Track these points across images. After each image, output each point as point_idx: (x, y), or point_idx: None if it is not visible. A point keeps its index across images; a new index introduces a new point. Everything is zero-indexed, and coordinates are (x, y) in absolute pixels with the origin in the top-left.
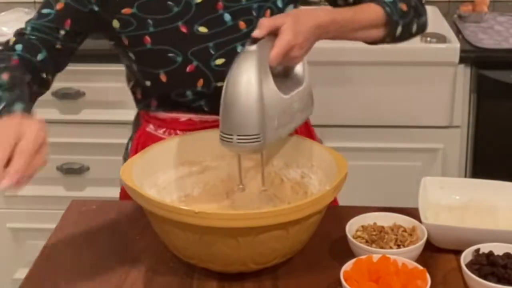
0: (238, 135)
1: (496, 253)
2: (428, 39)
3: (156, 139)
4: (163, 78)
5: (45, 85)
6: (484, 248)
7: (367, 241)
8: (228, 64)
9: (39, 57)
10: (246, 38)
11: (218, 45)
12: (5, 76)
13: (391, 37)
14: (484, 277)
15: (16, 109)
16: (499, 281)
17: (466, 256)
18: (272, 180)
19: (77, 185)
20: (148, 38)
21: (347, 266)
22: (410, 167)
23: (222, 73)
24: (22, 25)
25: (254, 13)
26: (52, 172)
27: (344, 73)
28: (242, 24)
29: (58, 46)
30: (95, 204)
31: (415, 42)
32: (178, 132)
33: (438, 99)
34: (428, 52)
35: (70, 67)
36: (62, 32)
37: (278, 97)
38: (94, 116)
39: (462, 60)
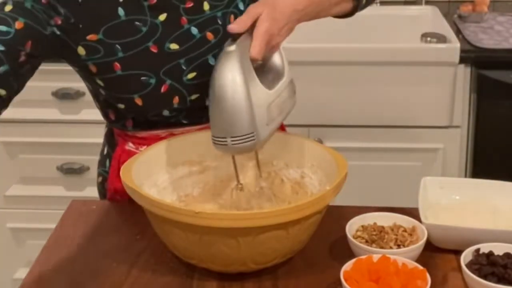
0: (232, 137)
1: (496, 253)
2: (428, 39)
3: None
4: (139, 101)
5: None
6: (484, 248)
7: (367, 241)
8: (199, 77)
9: (1, 69)
10: (216, 48)
11: (189, 60)
12: None
13: (359, 7)
14: (484, 277)
15: None
16: (499, 281)
17: (466, 256)
18: (272, 180)
19: (77, 185)
20: (118, 64)
21: (347, 266)
22: (410, 167)
23: (195, 87)
24: None
25: (220, 22)
26: (52, 172)
27: (344, 73)
28: (209, 35)
29: (21, 59)
30: (95, 204)
31: (415, 42)
32: None
33: (438, 99)
34: (428, 52)
35: (70, 67)
36: (23, 53)
37: (264, 93)
38: (94, 116)
39: (462, 60)
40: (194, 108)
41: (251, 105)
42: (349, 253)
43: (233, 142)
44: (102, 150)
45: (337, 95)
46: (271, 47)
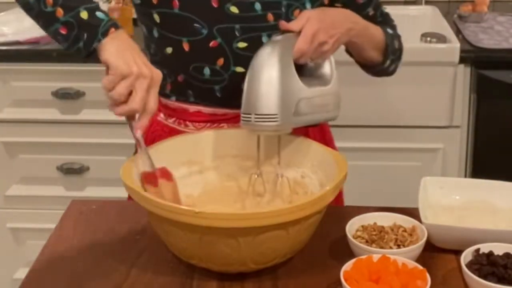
0: (256, 114)
1: (496, 253)
2: (428, 39)
3: (166, 128)
4: (186, 46)
5: None
6: (484, 248)
7: (367, 241)
8: (250, 50)
9: None
10: (273, 30)
11: (244, 28)
12: None
13: (380, 66)
14: (484, 277)
15: (102, 18)
16: (499, 281)
17: (466, 256)
18: (272, 180)
19: (77, 185)
20: (177, 2)
21: (347, 266)
22: (410, 167)
23: (242, 58)
24: (22, 25)
25: (283, 9)
26: (52, 172)
27: (343, 73)
28: (270, 16)
29: None
30: (95, 204)
31: (415, 42)
32: (187, 122)
33: (438, 99)
34: (428, 52)
35: (70, 67)
36: None
37: (298, 85)
38: (94, 116)
39: (462, 60)
40: (232, 83)
41: (281, 90)
42: (349, 253)
43: (256, 119)
44: None
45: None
46: (316, 50)
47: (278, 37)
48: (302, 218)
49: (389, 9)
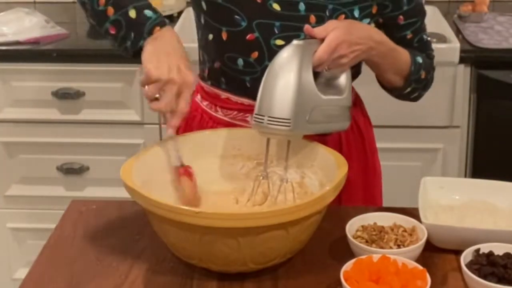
0: (269, 117)
1: (496, 253)
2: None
3: (199, 109)
4: (224, 36)
5: None
6: (484, 248)
7: (367, 241)
8: None
9: None
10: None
11: (284, 26)
12: None
13: (399, 91)
14: (484, 277)
15: (150, 16)
16: (499, 281)
17: (466, 256)
18: (272, 180)
19: (77, 185)
20: None
21: (347, 266)
22: (410, 167)
23: None
24: (22, 25)
25: (328, 13)
26: (52, 172)
27: None
28: (312, 18)
29: None
30: (95, 204)
31: None
32: (217, 108)
33: (438, 99)
34: None
35: (70, 67)
36: None
37: (314, 93)
38: (94, 116)
39: (462, 60)
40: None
41: (298, 96)
42: (349, 253)
43: (269, 122)
44: None
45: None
46: (334, 61)
47: (300, 42)
48: (302, 218)
49: None
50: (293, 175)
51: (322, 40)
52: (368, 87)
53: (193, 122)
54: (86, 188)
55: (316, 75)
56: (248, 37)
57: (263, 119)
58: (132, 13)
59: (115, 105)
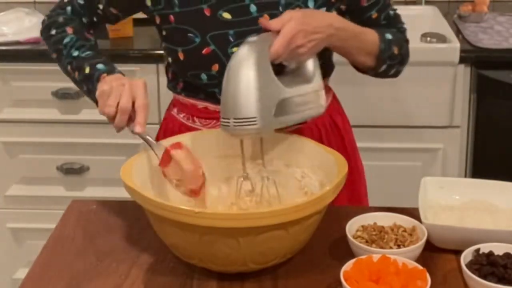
0: (235, 119)
1: (496, 253)
2: (428, 39)
3: (177, 122)
4: (181, 56)
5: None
6: (484, 248)
7: (367, 241)
8: None
9: (83, 20)
10: (269, 31)
11: (238, 33)
12: (69, 30)
13: (374, 71)
14: (484, 277)
15: (100, 68)
16: (499, 281)
17: (466, 256)
18: (272, 180)
19: (77, 185)
20: (172, 17)
21: (347, 266)
22: (410, 167)
23: None
24: (22, 25)
25: (281, 9)
26: (52, 172)
27: (343, 73)
28: (266, 18)
29: (99, 13)
30: (95, 204)
31: (415, 42)
32: (195, 118)
33: (438, 99)
34: (428, 52)
35: None
36: (100, 7)
37: (276, 86)
38: (94, 116)
39: (462, 60)
40: None
41: (259, 92)
42: (349, 253)
43: (235, 124)
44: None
45: (337, 95)
46: (292, 52)
47: (254, 38)
48: (302, 218)
49: None
50: (275, 167)
51: (278, 32)
52: (368, 87)
53: (172, 135)
54: (86, 188)
55: (282, 67)
56: (204, 51)
57: (229, 122)
58: (87, 69)
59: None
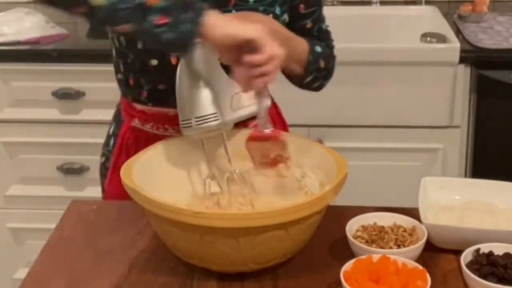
0: (196, 117)
1: (496, 253)
2: (428, 39)
3: (144, 133)
4: (173, 60)
5: None
6: (484, 248)
7: (367, 241)
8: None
9: None
10: None
11: None
12: None
13: (299, 80)
14: (484, 277)
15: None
16: (499, 281)
17: (466, 256)
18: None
19: (77, 185)
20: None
21: (347, 266)
22: (410, 167)
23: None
24: (22, 25)
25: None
26: (52, 172)
27: (343, 73)
28: None
29: None
30: (95, 204)
31: (415, 42)
32: (166, 126)
33: (438, 99)
34: (428, 52)
35: (70, 67)
36: None
37: (229, 82)
38: (94, 116)
39: (462, 60)
40: None
41: (214, 89)
42: (349, 253)
43: (197, 122)
44: (108, 131)
45: (337, 95)
46: None
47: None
48: (302, 218)
49: (389, 9)
50: (293, 175)
51: None
52: (368, 87)
53: (138, 148)
54: (86, 188)
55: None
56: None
57: (190, 122)
58: None
59: (115, 105)
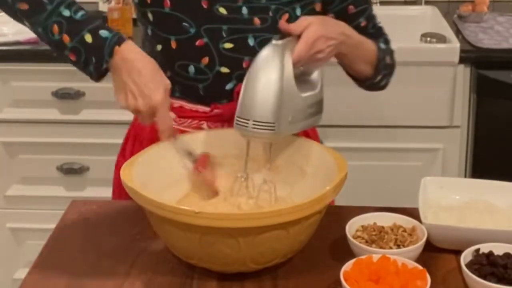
0: (254, 121)
1: (496, 253)
2: (428, 39)
3: (146, 129)
4: (173, 44)
5: None
6: (484, 248)
7: (367, 241)
8: (235, 51)
9: None
10: (259, 32)
11: (231, 29)
12: None
13: (370, 81)
14: (484, 277)
15: (103, 35)
16: (499, 281)
17: (466, 256)
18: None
19: (77, 185)
20: (168, 2)
21: (347, 266)
22: (410, 167)
23: (227, 58)
24: (22, 25)
25: (271, 14)
26: (52, 172)
27: (343, 73)
28: (256, 20)
29: None
30: (95, 204)
31: (415, 42)
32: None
33: (438, 99)
34: (428, 52)
35: (70, 67)
36: None
37: (296, 93)
38: (94, 116)
39: (462, 60)
40: (216, 83)
41: (282, 98)
42: (349, 253)
43: (254, 126)
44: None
45: (337, 95)
46: (312, 57)
47: (279, 41)
48: (302, 218)
49: (389, 9)
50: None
51: (298, 36)
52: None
53: (143, 138)
54: (86, 188)
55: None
56: (197, 43)
57: (247, 123)
58: (88, 38)
59: (115, 105)
